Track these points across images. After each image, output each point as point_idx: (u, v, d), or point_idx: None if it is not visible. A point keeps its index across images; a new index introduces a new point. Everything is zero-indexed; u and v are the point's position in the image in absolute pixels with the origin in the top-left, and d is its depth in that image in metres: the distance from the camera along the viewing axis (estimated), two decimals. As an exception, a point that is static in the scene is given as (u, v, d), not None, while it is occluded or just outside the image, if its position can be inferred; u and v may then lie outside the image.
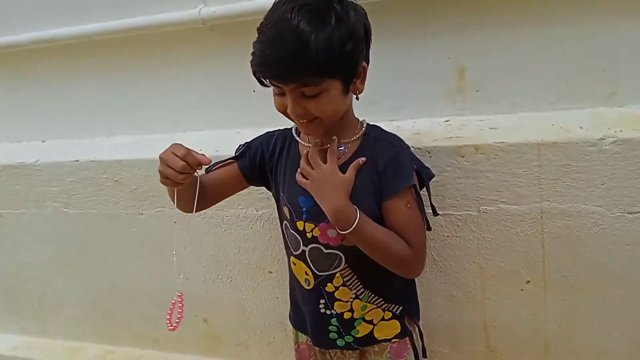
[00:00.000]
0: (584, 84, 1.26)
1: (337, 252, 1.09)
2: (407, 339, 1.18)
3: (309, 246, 1.11)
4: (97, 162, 1.68)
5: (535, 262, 1.31)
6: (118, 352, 1.92)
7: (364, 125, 1.12)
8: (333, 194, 1.02)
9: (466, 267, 1.38)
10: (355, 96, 1.06)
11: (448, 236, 1.36)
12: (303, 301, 1.20)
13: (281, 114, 1.03)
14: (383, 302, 1.15)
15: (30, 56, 1.76)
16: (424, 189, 1.12)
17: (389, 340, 1.17)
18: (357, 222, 1.00)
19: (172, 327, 1.09)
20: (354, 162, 1.05)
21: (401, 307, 1.17)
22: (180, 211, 1.13)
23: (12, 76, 1.85)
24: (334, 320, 1.15)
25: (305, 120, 1.00)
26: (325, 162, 1.05)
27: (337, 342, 1.17)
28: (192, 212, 1.09)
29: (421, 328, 1.24)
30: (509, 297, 1.36)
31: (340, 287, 1.12)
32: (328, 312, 1.14)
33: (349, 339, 1.16)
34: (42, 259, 1.90)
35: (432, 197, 1.16)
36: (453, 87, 1.35)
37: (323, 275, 1.12)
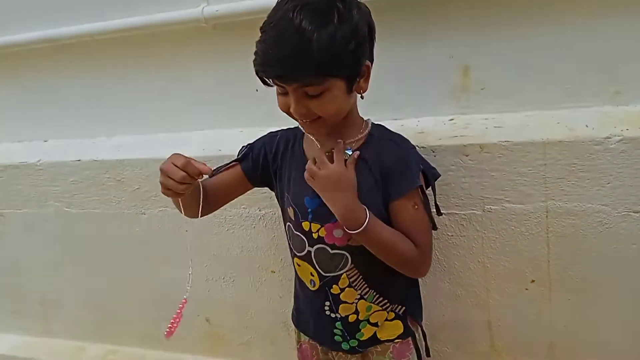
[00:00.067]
0: (589, 82, 1.25)
1: (343, 252, 1.09)
2: (409, 339, 1.18)
3: (315, 247, 1.10)
4: (100, 161, 1.68)
5: (540, 262, 1.30)
6: (120, 352, 1.92)
7: (369, 125, 1.11)
8: (342, 194, 1.01)
9: (470, 267, 1.37)
10: (359, 95, 1.05)
11: (452, 235, 1.35)
12: (307, 302, 1.19)
13: (284, 114, 1.02)
14: (387, 302, 1.14)
15: (31, 56, 1.76)
16: (429, 188, 1.12)
17: (392, 340, 1.16)
18: (367, 222, 0.99)
19: (167, 333, 1.09)
20: (350, 158, 1.04)
21: (404, 308, 1.17)
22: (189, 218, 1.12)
23: (14, 76, 1.85)
24: (338, 324, 1.14)
25: (308, 120, 1.00)
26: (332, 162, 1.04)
27: (342, 345, 1.16)
28: (197, 217, 1.08)
29: (424, 328, 1.23)
30: (514, 297, 1.36)
31: (346, 289, 1.11)
32: (333, 315, 1.14)
33: (353, 343, 1.15)
34: (44, 258, 1.90)
35: (436, 196, 1.15)
36: (457, 86, 1.35)
37: (329, 276, 1.11)
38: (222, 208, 1.22)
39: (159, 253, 1.70)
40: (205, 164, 0.97)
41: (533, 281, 1.33)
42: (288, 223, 1.16)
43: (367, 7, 1.00)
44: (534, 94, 1.30)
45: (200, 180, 1.02)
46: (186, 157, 0.97)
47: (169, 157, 0.98)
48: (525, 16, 1.26)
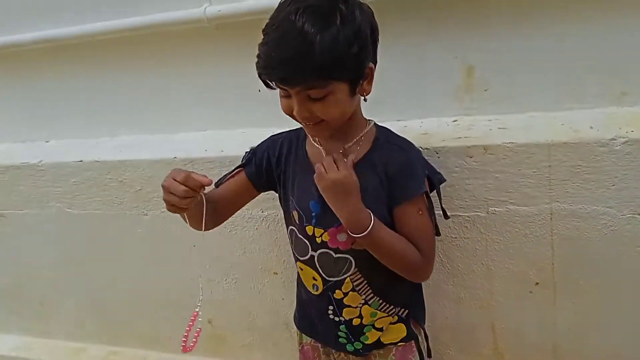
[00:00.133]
0: (594, 83, 1.25)
1: (346, 256, 1.08)
2: (412, 342, 1.17)
3: (318, 251, 1.10)
4: (101, 162, 1.67)
5: (544, 264, 1.30)
6: (121, 354, 1.91)
7: (373, 126, 1.11)
8: (348, 197, 1.00)
9: (474, 269, 1.36)
10: (362, 98, 1.04)
11: (456, 237, 1.35)
12: (311, 305, 1.19)
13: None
14: (391, 307, 1.13)
15: (33, 56, 1.76)
16: (434, 191, 1.12)
17: (395, 343, 1.16)
18: (372, 227, 0.99)
19: (185, 348, 1.08)
20: (347, 162, 1.02)
21: (407, 311, 1.16)
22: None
23: (15, 76, 1.84)
24: (342, 327, 1.14)
25: (311, 123, 0.99)
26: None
27: (347, 346, 1.16)
28: (202, 230, 1.06)
29: (426, 331, 1.23)
30: (518, 299, 1.35)
31: (350, 293, 1.11)
32: (337, 318, 1.14)
33: (358, 345, 1.15)
34: (45, 259, 1.89)
35: (442, 200, 1.15)
36: (461, 87, 1.34)
37: (332, 280, 1.11)
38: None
39: (161, 254, 1.70)
40: (206, 176, 0.96)
41: (537, 284, 1.32)
42: (291, 227, 1.16)
43: (369, 8, 0.99)
44: (538, 95, 1.29)
45: (203, 192, 1.00)
46: (186, 171, 0.96)
47: (169, 173, 0.97)
48: (530, 17, 1.25)
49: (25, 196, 1.82)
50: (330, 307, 1.13)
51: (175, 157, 1.56)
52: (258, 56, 0.93)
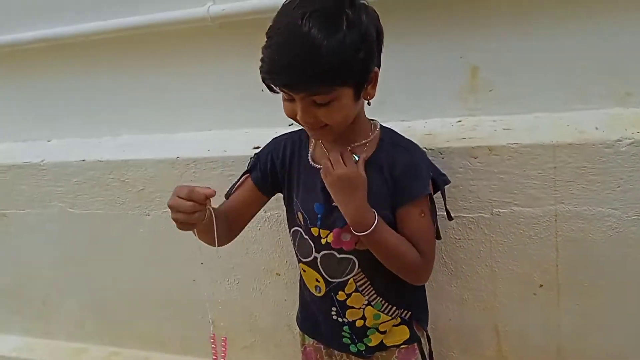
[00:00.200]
0: (599, 83, 1.25)
1: (350, 256, 1.08)
2: (415, 344, 1.17)
3: (321, 252, 1.10)
4: (104, 162, 1.67)
5: (548, 266, 1.29)
6: (122, 354, 1.90)
7: (377, 128, 1.10)
8: (353, 194, 0.99)
9: (478, 271, 1.36)
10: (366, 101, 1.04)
11: (460, 239, 1.34)
12: (314, 306, 1.19)
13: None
14: (394, 308, 1.13)
15: (35, 55, 1.75)
16: (438, 192, 1.11)
17: (398, 346, 1.16)
18: (375, 225, 0.99)
19: None
20: (360, 160, 1.02)
21: (410, 313, 1.16)
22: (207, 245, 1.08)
23: (17, 75, 1.84)
24: (346, 328, 1.14)
25: (315, 127, 0.98)
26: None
27: (350, 347, 1.16)
28: (215, 246, 1.04)
29: (429, 333, 1.22)
30: (521, 301, 1.34)
31: (353, 294, 1.10)
32: (340, 319, 1.13)
33: (361, 346, 1.15)
34: (46, 259, 1.89)
35: (446, 201, 1.15)
36: (465, 87, 1.34)
37: (335, 282, 1.10)
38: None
39: (163, 254, 1.69)
40: (209, 188, 0.95)
41: (541, 285, 1.31)
42: (295, 228, 1.15)
43: (375, 11, 0.97)
44: (543, 95, 1.29)
45: (211, 207, 0.98)
46: (188, 186, 0.95)
47: (173, 192, 0.96)
48: (535, 17, 1.25)
49: (27, 196, 1.82)
50: (334, 309, 1.13)
51: (178, 157, 1.56)
52: (262, 60, 0.92)
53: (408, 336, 1.15)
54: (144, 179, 1.63)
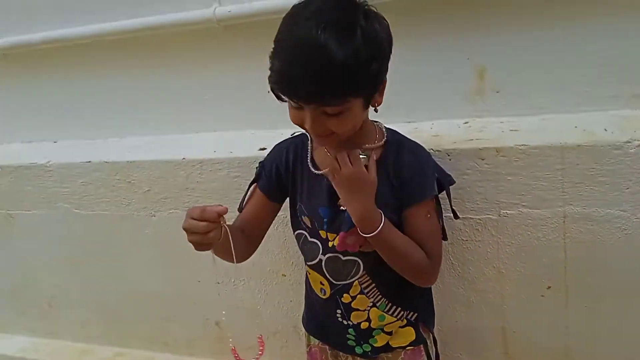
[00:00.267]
0: (607, 85, 1.24)
1: (355, 258, 1.08)
2: (421, 346, 1.17)
3: (327, 255, 1.10)
4: (110, 163, 1.67)
5: (556, 268, 1.28)
6: (127, 355, 1.91)
7: (382, 130, 1.10)
8: (361, 194, 0.99)
9: (485, 272, 1.35)
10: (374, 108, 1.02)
11: (467, 240, 1.34)
12: (319, 309, 1.19)
13: None
14: (400, 310, 1.13)
15: (42, 56, 1.76)
16: (443, 192, 1.11)
17: (404, 347, 1.16)
18: (382, 226, 0.99)
19: None
20: (371, 161, 1.01)
21: (416, 314, 1.16)
22: (225, 261, 1.07)
23: (23, 76, 1.85)
24: (351, 330, 1.14)
25: (322, 135, 0.97)
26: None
27: (355, 349, 1.16)
28: (233, 262, 1.02)
29: (435, 335, 1.22)
30: (529, 303, 1.34)
31: (358, 296, 1.10)
32: (345, 322, 1.13)
33: (366, 347, 1.15)
34: (52, 260, 1.89)
35: (452, 201, 1.14)
36: (472, 88, 1.33)
37: (340, 284, 1.10)
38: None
39: (169, 255, 1.69)
40: (221, 205, 0.93)
41: (549, 287, 1.31)
42: (300, 231, 1.15)
43: (386, 20, 0.95)
44: (550, 96, 1.28)
45: (225, 223, 0.97)
46: (199, 206, 0.93)
47: (185, 215, 0.94)
48: (543, 18, 1.25)
49: (33, 197, 1.82)
50: (338, 311, 1.13)
51: (184, 158, 1.56)
52: (272, 69, 0.89)
53: (414, 338, 1.15)
54: (149, 180, 1.63)
